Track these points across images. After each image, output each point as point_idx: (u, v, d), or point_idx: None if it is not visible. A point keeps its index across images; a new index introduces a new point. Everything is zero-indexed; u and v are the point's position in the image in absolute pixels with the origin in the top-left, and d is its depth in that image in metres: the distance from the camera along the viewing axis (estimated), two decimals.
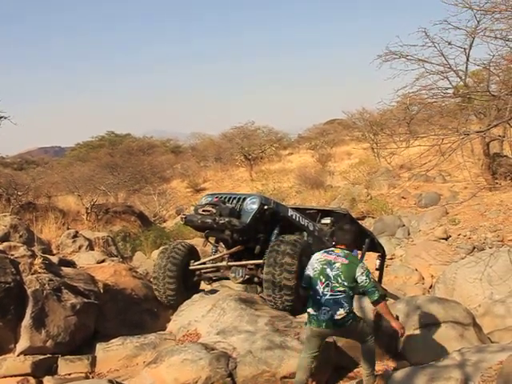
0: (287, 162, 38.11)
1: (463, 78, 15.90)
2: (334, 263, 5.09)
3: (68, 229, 14.30)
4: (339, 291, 4.99)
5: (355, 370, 6.42)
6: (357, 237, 5.96)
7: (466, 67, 15.72)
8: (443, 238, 14.34)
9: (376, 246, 9.49)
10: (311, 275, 5.19)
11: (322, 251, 5.38)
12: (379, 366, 6.46)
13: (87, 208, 18.77)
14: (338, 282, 5.00)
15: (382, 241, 12.94)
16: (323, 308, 5.01)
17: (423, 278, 12.79)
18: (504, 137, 16.50)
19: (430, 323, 6.51)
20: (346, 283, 4.98)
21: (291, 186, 27.34)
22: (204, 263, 7.68)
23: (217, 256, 7.65)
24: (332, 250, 5.27)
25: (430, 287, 11.85)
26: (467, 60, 15.32)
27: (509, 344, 5.43)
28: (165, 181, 33.37)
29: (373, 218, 18.04)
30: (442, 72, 16.04)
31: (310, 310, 5.14)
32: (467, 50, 15.20)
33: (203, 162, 41.36)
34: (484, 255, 10.24)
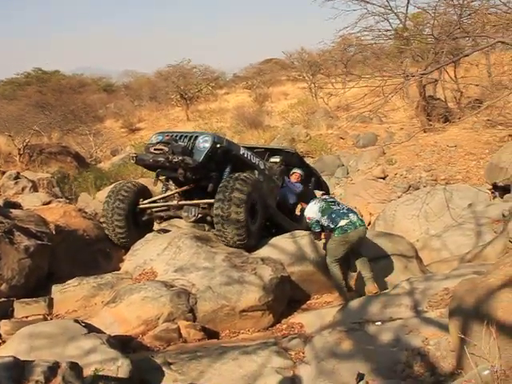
0: (224, 101, 37.60)
1: (403, 20, 16.23)
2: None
3: (0, 171, 13.71)
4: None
5: (308, 302, 6.78)
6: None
7: (407, 9, 16.06)
8: (381, 178, 14.89)
9: (321, 185, 9.75)
10: (321, 211, 6.50)
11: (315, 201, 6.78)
12: (330, 298, 6.85)
13: (19, 149, 17.92)
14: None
15: None
16: (349, 214, 6.48)
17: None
18: (438, 80, 17.08)
19: (377, 256, 6.91)
20: None
21: (229, 126, 27.18)
22: (155, 202, 7.67)
23: (167, 194, 7.64)
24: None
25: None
26: (408, 2, 15.63)
27: (451, 273, 5.87)
28: (98, 120, 32.23)
29: (312, 157, 18.34)
30: (383, 14, 16.31)
31: (341, 222, 6.34)
32: None
33: (137, 101, 40.04)
34: (421, 193, 10.83)
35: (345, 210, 6.55)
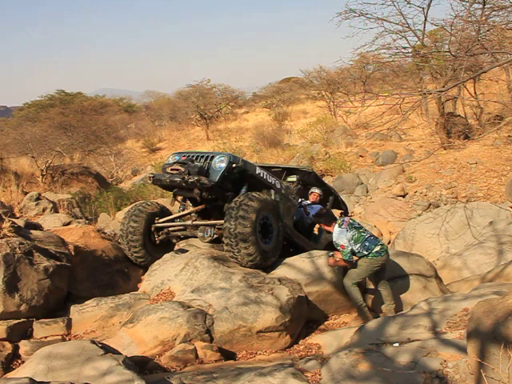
0: (243, 120, 37.90)
1: (421, 37, 16.21)
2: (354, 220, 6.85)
3: (23, 192, 13.96)
4: None
5: (325, 323, 6.72)
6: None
7: (424, 27, 16.05)
8: (400, 196, 14.76)
9: (339, 204, 9.68)
10: (354, 239, 6.44)
11: (340, 224, 6.59)
12: (348, 318, 6.78)
13: (42, 170, 18.28)
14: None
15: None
16: (377, 239, 6.66)
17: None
18: (458, 97, 16.98)
19: (396, 276, 6.83)
20: None
21: (248, 146, 27.30)
22: (172, 221, 7.73)
23: (182, 213, 7.68)
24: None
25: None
26: (425, 20, 15.65)
27: (471, 293, 5.77)
28: (119, 141, 32.74)
29: (331, 176, 18.30)
30: (401, 31, 16.31)
31: (376, 248, 6.46)
32: (425, 10, 15.50)
33: (158, 122, 40.61)
34: (441, 211, 10.70)
35: (373, 236, 6.65)
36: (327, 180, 17.64)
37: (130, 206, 8.20)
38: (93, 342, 4.93)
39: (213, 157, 7.20)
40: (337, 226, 6.57)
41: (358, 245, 6.41)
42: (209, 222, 7.27)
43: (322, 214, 6.93)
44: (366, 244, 6.42)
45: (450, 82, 13.52)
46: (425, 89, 9.90)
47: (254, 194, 6.87)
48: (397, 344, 4.83)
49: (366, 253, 6.39)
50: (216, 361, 5.48)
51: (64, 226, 8.45)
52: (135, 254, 7.57)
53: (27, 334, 6.00)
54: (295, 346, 6.05)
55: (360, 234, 6.48)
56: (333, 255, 6.71)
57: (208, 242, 7.52)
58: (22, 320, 6.02)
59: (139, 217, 7.55)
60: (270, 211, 6.98)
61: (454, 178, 14.74)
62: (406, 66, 19.18)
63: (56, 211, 9.47)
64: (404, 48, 15.82)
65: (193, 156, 7.34)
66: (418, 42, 16.20)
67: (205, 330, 5.74)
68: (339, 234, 6.49)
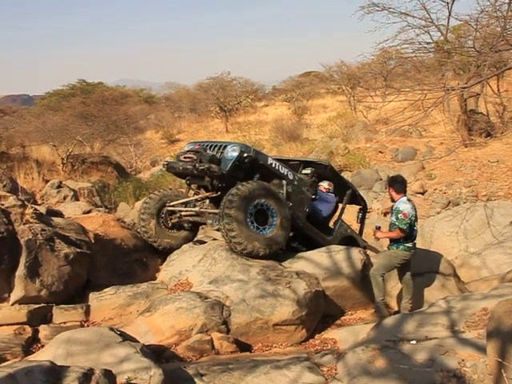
0: (262, 113, 37.82)
1: (444, 33, 15.99)
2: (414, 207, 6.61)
3: (44, 179, 14.12)
4: None
5: (342, 318, 6.70)
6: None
7: (448, 22, 15.83)
8: (419, 193, 14.63)
9: (357, 199, 9.50)
10: (413, 219, 6.45)
11: (408, 200, 6.62)
12: (364, 314, 6.77)
13: (63, 158, 18.47)
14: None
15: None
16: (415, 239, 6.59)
17: None
18: (480, 94, 16.73)
19: (414, 273, 6.77)
20: None
21: (268, 139, 27.23)
22: (184, 206, 7.81)
23: (191, 198, 7.78)
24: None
25: None
26: (449, 15, 15.43)
27: (490, 292, 5.70)
28: (139, 131, 32.91)
29: (350, 171, 18.17)
30: (424, 26, 16.11)
31: (410, 244, 6.47)
32: (450, 5, 15.27)
33: (178, 113, 40.73)
34: (461, 209, 10.58)
35: (415, 233, 6.62)
36: (346, 175, 17.52)
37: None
38: (111, 329, 4.99)
39: (226, 146, 7.26)
40: (406, 198, 6.61)
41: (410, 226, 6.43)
42: (215, 211, 7.27)
43: (397, 180, 6.78)
44: (413, 233, 6.49)
45: (473, 79, 13.30)
46: (447, 85, 9.77)
47: (250, 181, 6.88)
48: (414, 341, 4.79)
49: (402, 240, 6.40)
50: (232, 352, 5.51)
51: (84, 214, 8.54)
52: (149, 238, 7.71)
53: (47, 319, 6.10)
54: (311, 341, 6.05)
55: (416, 219, 6.54)
56: (380, 227, 6.71)
57: (217, 230, 7.55)
58: (42, 305, 6.14)
59: (148, 203, 7.77)
60: (268, 199, 6.90)
61: (475, 177, 14.56)
62: (428, 62, 18.95)
63: (76, 199, 9.58)
64: (427, 43, 15.62)
65: (207, 145, 7.43)
66: (442, 38, 15.99)
67: (221, 322, 5.76)
68: (406, 205, 6.48)
